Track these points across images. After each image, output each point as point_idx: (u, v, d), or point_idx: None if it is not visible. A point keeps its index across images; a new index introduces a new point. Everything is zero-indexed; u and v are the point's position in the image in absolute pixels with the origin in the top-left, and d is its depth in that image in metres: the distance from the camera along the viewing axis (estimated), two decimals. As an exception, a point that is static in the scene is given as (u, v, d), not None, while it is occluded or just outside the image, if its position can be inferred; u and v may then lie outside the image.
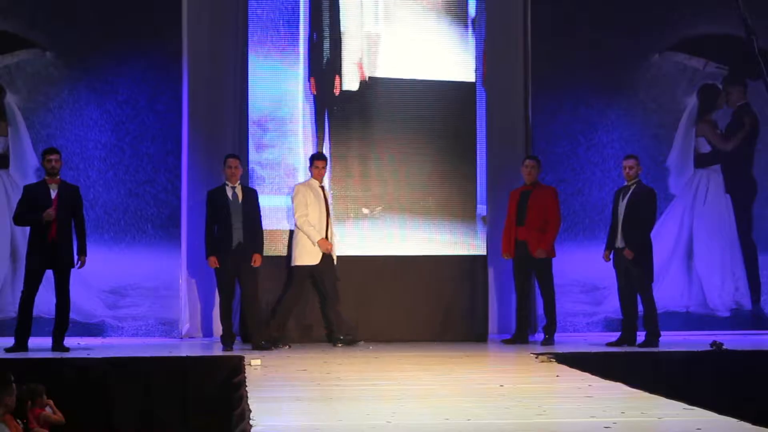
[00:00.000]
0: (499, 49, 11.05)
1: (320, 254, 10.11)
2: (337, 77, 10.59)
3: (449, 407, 6.33)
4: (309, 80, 10.58)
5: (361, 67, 10.63)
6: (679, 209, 11.43)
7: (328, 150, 10.56)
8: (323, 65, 10.59)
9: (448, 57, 10.80)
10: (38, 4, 10.53)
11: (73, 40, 10.52)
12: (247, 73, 10.45)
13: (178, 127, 10.61)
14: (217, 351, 9.49)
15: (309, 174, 10.25)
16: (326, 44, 10.59)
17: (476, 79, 10.83)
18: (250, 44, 10.45)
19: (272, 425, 5.62)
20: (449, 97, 10.79)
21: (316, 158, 10.23)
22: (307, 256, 10.11)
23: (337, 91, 10.59)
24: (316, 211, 10.12)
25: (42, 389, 7.42)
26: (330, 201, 10.30)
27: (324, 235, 10.12)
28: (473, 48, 10.84)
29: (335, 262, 10.24)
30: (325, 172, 10.26)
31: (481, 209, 10.82)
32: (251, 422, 5.62)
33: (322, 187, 10.25)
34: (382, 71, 10.70)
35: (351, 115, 10.66)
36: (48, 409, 7.42)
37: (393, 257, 10.68)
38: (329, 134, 10.61)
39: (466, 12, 10.87)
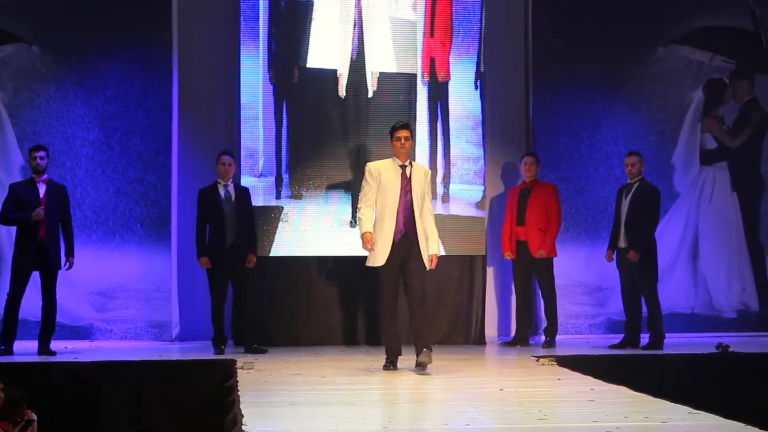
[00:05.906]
0: (499, 42, 10.93)
1: (384, 255, 8.18)
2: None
3: (448, 412, 6.33)
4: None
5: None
6: (684, 208, 11.27)
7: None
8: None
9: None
10: (24, -4, 10.44)
11: (59, 34, 10.35)
12: (239, 68, 10.30)
13: (168, 124, 10.47)
14: (209, 354, 9.35)
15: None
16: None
17: (475, 75, 10.66)
18: (242, 37, 10.33)
19: (265, 430, 5.52)
20: (444, 92, 10.65)
21: (395, 129, 8.23)
22: (371, 256, 8.27)
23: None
24: (388, 197, 8.14)
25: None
26: (412, 185, 8.16)
27: (393, 229, 8.16)
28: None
29: (425, 266, 8.29)
30: (408, 144, 8.21)
31: (480, 207, 10.65)
32: (243, 427, 5.54)
33: (404, 167, 8.23)
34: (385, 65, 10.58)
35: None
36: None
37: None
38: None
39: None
